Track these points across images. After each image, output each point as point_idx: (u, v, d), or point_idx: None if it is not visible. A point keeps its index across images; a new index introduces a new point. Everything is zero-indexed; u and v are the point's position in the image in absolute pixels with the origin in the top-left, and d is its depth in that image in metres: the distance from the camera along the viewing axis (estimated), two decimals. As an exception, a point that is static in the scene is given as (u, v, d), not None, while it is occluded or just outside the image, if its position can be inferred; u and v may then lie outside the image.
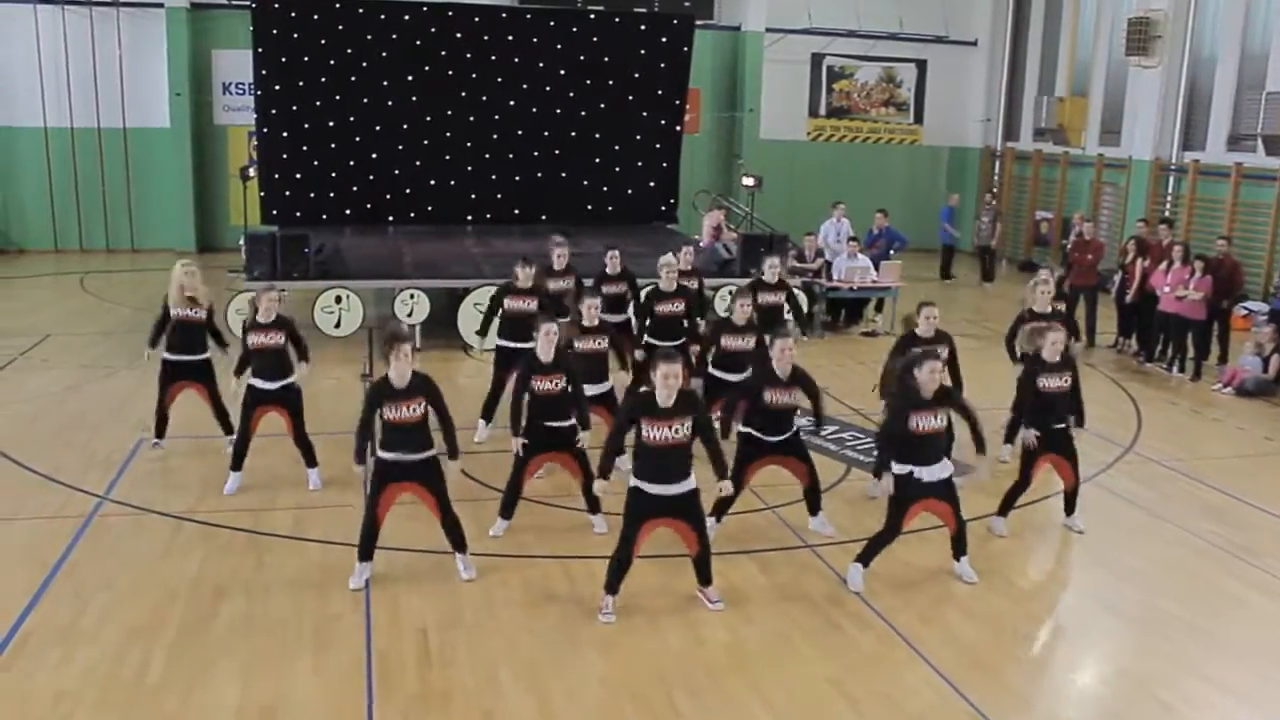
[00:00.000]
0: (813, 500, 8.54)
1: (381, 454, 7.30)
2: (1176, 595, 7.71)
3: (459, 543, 7.57)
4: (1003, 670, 6.67)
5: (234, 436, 9.31)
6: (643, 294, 11.09)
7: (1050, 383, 8.35)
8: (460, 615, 7.02)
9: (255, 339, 8.87)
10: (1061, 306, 10.76)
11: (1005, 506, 8.69)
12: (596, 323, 9.21)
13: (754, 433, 8.06)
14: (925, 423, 7.34)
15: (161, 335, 9.56)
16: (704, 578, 7.28)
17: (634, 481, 6.94)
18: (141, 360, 10.10)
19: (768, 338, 8.41)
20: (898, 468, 7.43)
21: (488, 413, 10.50)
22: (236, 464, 9.06)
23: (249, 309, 9.13)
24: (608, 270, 11.42)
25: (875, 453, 7.94)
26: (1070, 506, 8.83)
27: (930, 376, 7.32)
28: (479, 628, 6.88)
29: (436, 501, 7.42)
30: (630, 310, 11.39)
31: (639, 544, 7.00)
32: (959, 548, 7.78)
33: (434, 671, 6.34)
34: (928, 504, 7.53)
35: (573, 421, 8.22)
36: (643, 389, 7.30)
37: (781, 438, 8.09)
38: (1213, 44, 19.60)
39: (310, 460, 9.22)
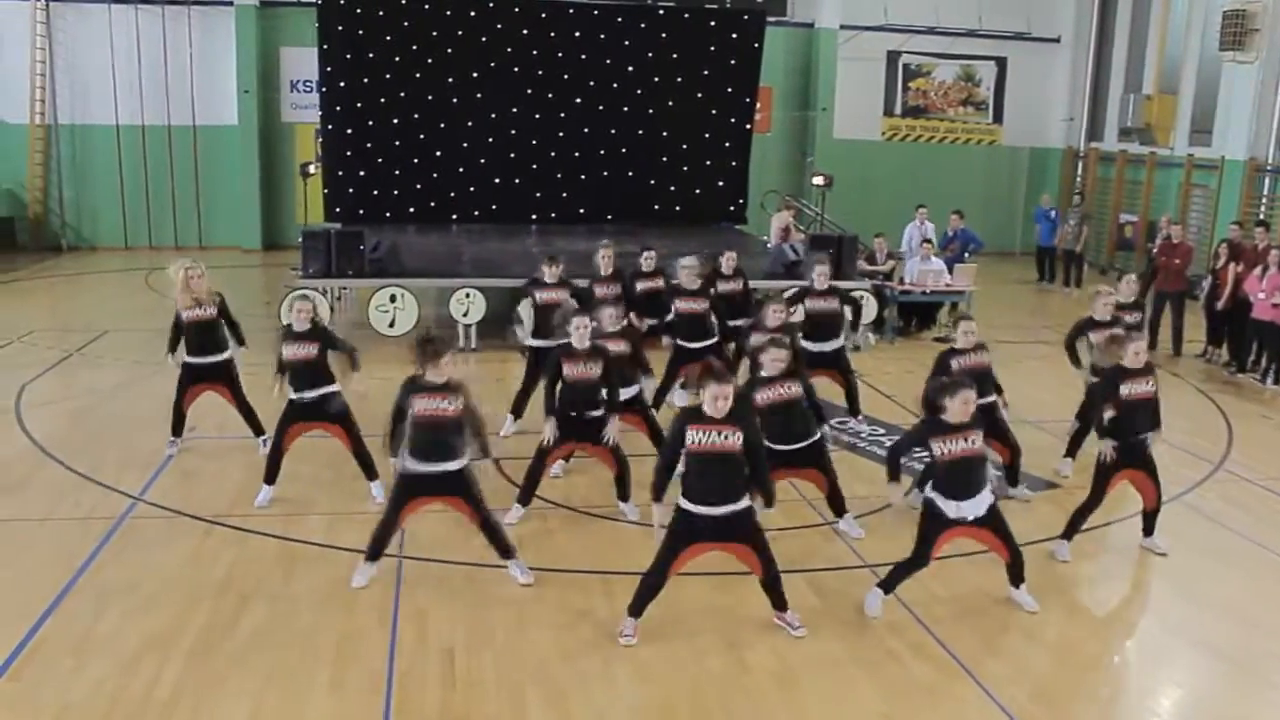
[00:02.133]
0: (836, 503, 8.22)
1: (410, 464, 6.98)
2: (1274, 631, 7.03)
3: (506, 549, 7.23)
4: (1075, 710, 6.08)
5: (267, 438, 9.07)
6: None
7: (1136, 389, 7.73)
8: (491, 635, 6.59)
9: (289, 350, 8.43)
10: (1128, 316, 10.05)
11: (1072, 529, 8.00)
12: (620, 327, 9.02)
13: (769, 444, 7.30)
14: (952, 446, 6.70)
15: (179, 341, 9.41)
16: (778, 603, 6.74)
17: (680, 502, 6.42)
18: (163, 364, 9.95)
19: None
20: (930, 494, 6.89)
21: (517, 409, 10.32)
22: (270, 477, 8.58)
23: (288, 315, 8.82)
24: (643, 268, 11.48)
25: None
26: (1150, 527, 8.16)
27: (964, 407, 6.68)
28: (509, 648, 6.45)
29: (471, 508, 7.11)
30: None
31: (675, 568, 6.51)
32: (1015, 575, 7.12)
33: (456, 694, 5.94)
34: (964, 532, 6.90)
35: (602, 412, 8.12)
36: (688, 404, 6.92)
37: (792, 447, 7.61)
38: (1314, 38, 18.58)
39: (369, 473, 8.65)
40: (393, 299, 13.86)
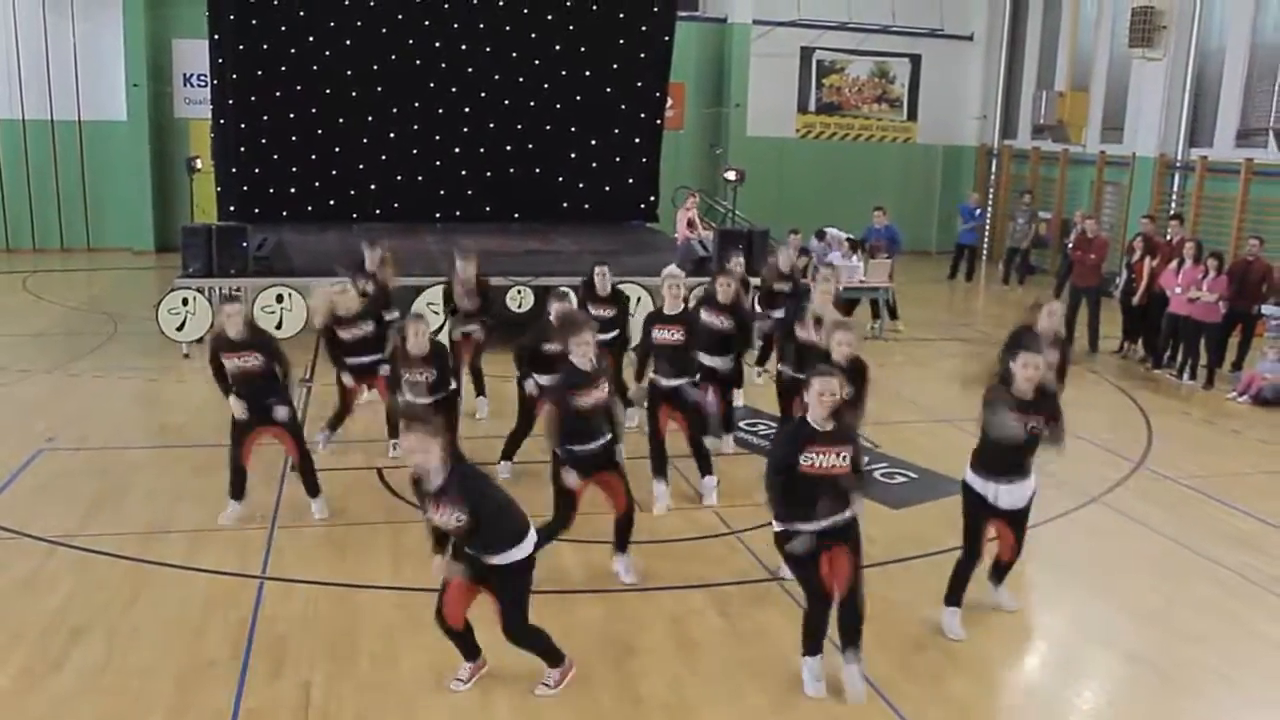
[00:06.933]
0: None
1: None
2: (1202, 639, 6.60)
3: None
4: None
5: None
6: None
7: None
8: (355, 665, 5.91)
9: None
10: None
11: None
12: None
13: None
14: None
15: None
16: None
17: (780, 527, 5.77)
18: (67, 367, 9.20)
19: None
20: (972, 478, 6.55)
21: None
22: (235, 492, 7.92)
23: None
24: (597, 290, 10.06)
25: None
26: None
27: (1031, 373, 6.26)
28: (376, 682, 5.76)
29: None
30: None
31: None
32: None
33: (310, 736, 5.27)
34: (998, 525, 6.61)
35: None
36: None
37: None
38: (1221, 34, 18.57)
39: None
40: (279, 299, 13.04)
